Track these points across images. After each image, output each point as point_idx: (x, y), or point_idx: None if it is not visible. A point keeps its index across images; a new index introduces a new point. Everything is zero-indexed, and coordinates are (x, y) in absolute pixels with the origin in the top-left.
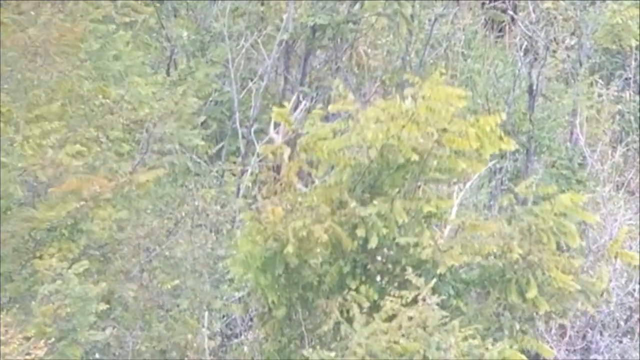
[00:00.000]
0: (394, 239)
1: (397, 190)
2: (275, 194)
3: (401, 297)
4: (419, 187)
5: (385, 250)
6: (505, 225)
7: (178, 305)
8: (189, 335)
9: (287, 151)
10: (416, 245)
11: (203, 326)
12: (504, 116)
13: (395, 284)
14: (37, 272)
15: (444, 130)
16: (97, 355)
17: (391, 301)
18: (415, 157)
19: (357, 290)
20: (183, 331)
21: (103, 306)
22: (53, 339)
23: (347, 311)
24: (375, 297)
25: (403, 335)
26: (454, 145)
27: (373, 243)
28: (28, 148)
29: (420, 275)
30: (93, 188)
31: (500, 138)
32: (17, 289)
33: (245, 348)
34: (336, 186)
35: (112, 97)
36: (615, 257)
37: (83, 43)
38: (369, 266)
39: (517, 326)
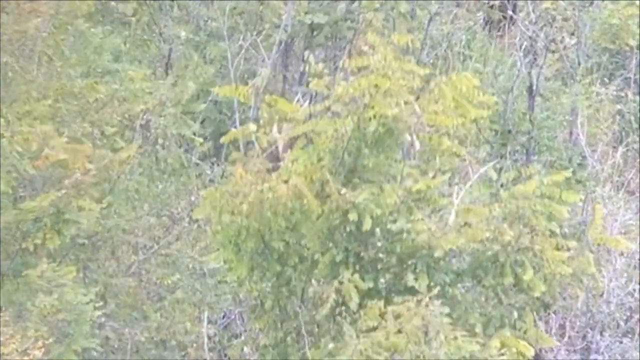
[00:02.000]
0: (386, 224)
1: (381, 173)
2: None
3: (402, 303)
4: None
5: (377, 237)
6: (496, 209)
7: (173, 293)
8: (188, 324)
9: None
10: (409, 231)
11: (202, 319)
12: (477, 82)
13: (390, 275)
14: (30, 283)
15: (419, 94)
16: (96, 348)
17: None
18: (388, 112)
19: (351, 277)
20: (181, 319)
21: (98, 312)
22: (50, 340)
23: (343, 299)
24: (371, 284)
25: (399, 332)
26: (435, 121)
27: (367, 225)
28: (15, 144)
29: (415, 263)
30: (75, 176)
31: (477, 94)
32: (10, 298)
33: (246, 349)
34: (314, 166)
35: (104, 92)
36: (598, 245)
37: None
38: (362, 254)
39: (515, 314)
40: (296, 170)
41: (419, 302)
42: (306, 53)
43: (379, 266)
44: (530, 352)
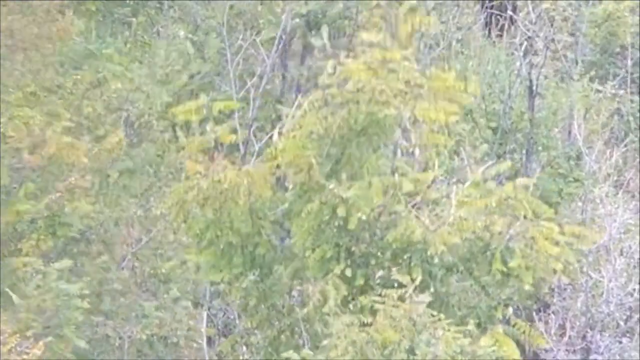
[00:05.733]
0: (376, 219)
1: (367, 167)
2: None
3: (386, 296)
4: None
5: (367, 232)
6: (492, 202)
7: (168, 293)
8: (191, 322)
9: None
10: (406, 227)
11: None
12: (453, 73)
13: (382, 270)
14: (16, 270)
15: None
16: (93, 346)
17: (376, 300)
18: (382, 97)
19: (342, 274)
20: (182, 316)
21: (85, 305)
22: (46, 339)
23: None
24: (362, 281)
25: (390, 326)
26: (428, 117)
27: (352, 224)
28: (12, 130)
29: (410, 258)
30: (69, 180)
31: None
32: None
33: (244, 348)
34: (299, 153)
35: (87, 79)
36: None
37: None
38: (353, 249)
39: (510, 310)
40: (283, 158)
41: (403, 294)
42: (314, 38)
43: (372, 262)
44: (516, 355)
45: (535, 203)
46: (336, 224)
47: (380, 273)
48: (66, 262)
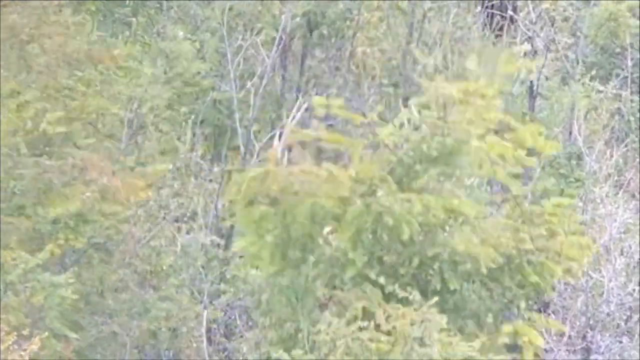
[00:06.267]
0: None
1: (428, 185)
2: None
3: (403, 315)
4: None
5: (400, 244)
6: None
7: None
8: (197, 307)
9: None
10: (449, 242)
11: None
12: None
13: (409, 278)
14: (4, 264)
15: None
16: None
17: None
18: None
19: (376, 281)
20: (187, 306)
21: (72, 295)
22: (43, 335)
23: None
24: (390, 288)
25: (388, 334)
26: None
27: (406, 234)
28: (6, 123)
29: (440, 267)
30: (101, 180)
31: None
32: None
33: (245, 348)
34: (370, 165)
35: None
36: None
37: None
38: (384, 258)
39: (523, 304)
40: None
41: (415, 310)
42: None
43: (401, 271)
44: (541, 341)
45: (572, 220)
46: (378, 233)
47: (404, 281)
48: (50, 247)
